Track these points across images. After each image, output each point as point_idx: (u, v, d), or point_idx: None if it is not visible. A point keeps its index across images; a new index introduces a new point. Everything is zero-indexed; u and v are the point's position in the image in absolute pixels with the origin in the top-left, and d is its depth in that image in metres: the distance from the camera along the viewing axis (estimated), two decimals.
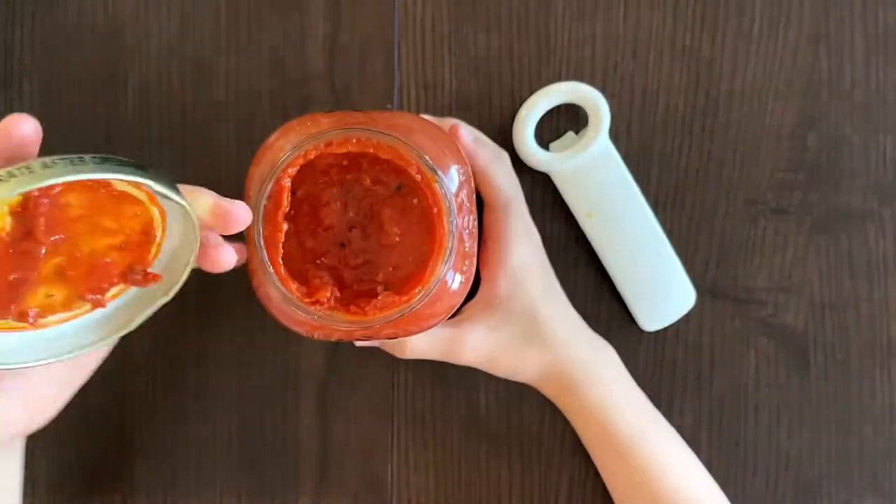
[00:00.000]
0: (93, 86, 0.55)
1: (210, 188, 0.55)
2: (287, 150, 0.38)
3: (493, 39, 0.54)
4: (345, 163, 0.40)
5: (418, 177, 0.38)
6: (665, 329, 0.55)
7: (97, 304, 0.39)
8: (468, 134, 0.45)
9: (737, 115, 0.54)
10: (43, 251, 0.36)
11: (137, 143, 0.55)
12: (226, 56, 0.55)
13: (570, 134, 0.54)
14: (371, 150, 0.38)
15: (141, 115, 0.55)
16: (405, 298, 0.39)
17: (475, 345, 0.46)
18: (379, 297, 0.39)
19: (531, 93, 0.53)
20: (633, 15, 0.54)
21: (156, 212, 0.39)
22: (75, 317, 0.39)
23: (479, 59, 0.54)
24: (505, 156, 0.47)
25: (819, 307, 0.55)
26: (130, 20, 0.54)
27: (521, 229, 0.46)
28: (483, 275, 0.47)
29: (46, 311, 0.38)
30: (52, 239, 0.36)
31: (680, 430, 0.54)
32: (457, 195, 0.40)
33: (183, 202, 0.36)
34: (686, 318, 0.55)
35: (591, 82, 0.54)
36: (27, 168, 0.31)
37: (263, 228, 0.38)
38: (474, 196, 0.42)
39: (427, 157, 0.38)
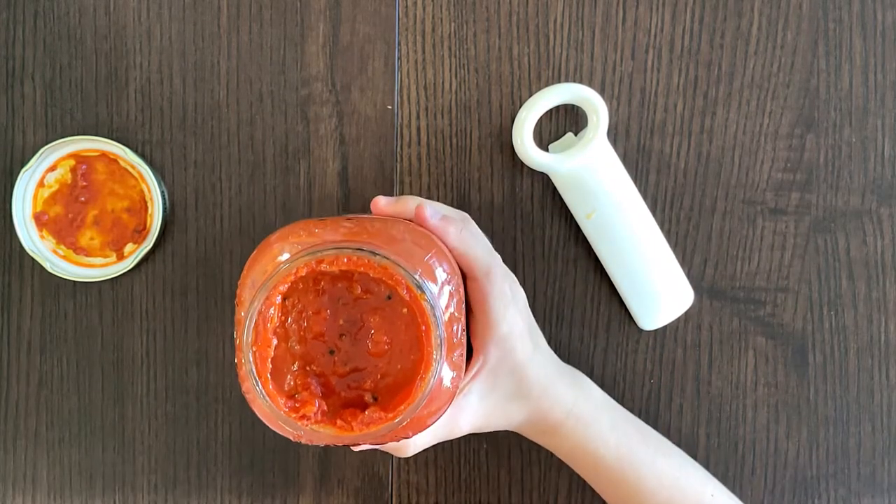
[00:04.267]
0: (94, 86, 0.55)
1: (210, 188, 0.55)
2: (280, 261, 0.39)
3: (493, 40, 0.54)
4: (336, 272, 0.40)
5: (407, 295, 0.39)
6: (664, 328, 0.55)
7: (119, 257, 0.54)
8: (433, 213, 0.44)
9: (735, 115, 0.55)
10: (83, 199, 0.54)
11: (139, 144, 0.55)
12: (227, 56, 0.55)
13: (570, 135, 0.54)
14: (361, 269, 0.39)
15: (142, 116, 0.55)
16: (391, 416, 0.39)
17: (469, 417, 0.46)
18: (366, 413, 0.39)
19: (531, 94, 0.54)
20: (632, 16, 0.54)
21: (144, 188, 0.54)
22: (106, 265, 0.54)
23: (479, 60, 0.55)
24: (470, 222, 0.47)
25: (817, 307, 0.55)
26: (132, 21, 0.55)
27: (507, 294, 0.45)
28: (473, 344, 0.46)
29: (90, 251, 0.54)
30: (86, 193, 0.54)
31: (678, 429, 0.55)
32: (447, 307, 0.41)
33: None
34: (684, 318, 0.55)
35: (590, 83, 0.54)
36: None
37: (253, 342, 0.39)
38: (464, 305, 0.43)
39: (416, 275, 0.39)
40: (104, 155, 0.54)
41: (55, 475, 0.56)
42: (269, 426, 0.41)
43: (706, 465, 0.55)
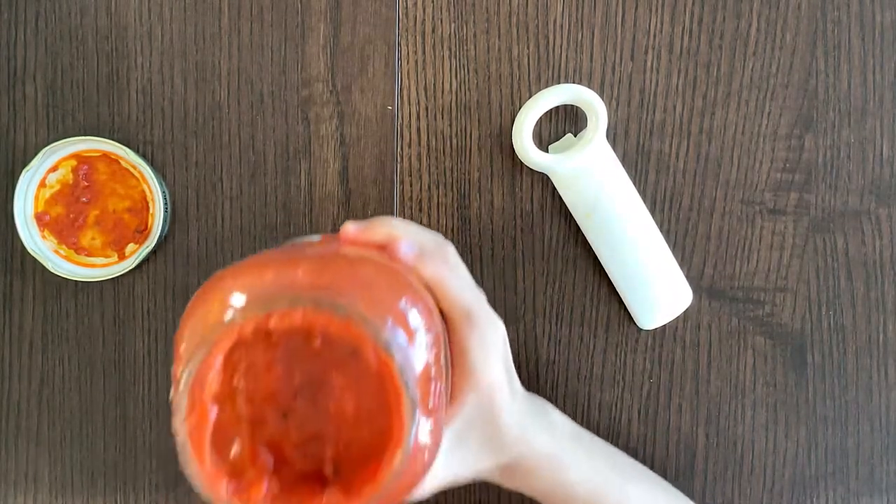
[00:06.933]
0: (96, 87, 0.55)
1: (211, 188, 0.55)
2: (221, 313, 0.33)
3: (493, 41, 0.55)
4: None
5: (374, 357, 0.32)
6: (662, 328, 0.55)
7: (121, 257, 0.54)
8: (409, 248, 0.40)
9: (734, 116, 0.55)
10: (85, 200, 0.54)
11: (140, 144, 0.55)
12: (227, 57, 0.55)
13: (569, 135, 0.54)
14: (319, 327, 0.32)
15: (144, 116, 0.55)
16: (353, 502, 0.32)
17: (434, 479, 0.41)
18: (324, 498, 0.33)
19: (530, 94, 0.54)
20: (632, 17, 0.55)
21: (146, 188, 0.54)
22: (107, 265, 0.55)
23: (479, 61, 0.55)
24: (450, 252, 0.42)
25: (816, 306, 0.55)
26: (133, 22, 0.55)
27: (488, 340, 0.41)
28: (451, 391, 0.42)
29: (91, 251, 0.55)
30: (88, 193, 0.54)
31: (678, 428, 0.55)
32: (425, 363, 0.35)
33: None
34: (683, 318, 0.55)
35: (590, 84, 0.55)
36: None
37: (187, 415, 0.32)
38: (445, 354, 0.37)
39: (386, 330, 0.32)
40: (105, 155, 0.54)
41: (57, 474, 0.56)
42: None
43: (705, 465, 0.55)
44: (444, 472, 0.41)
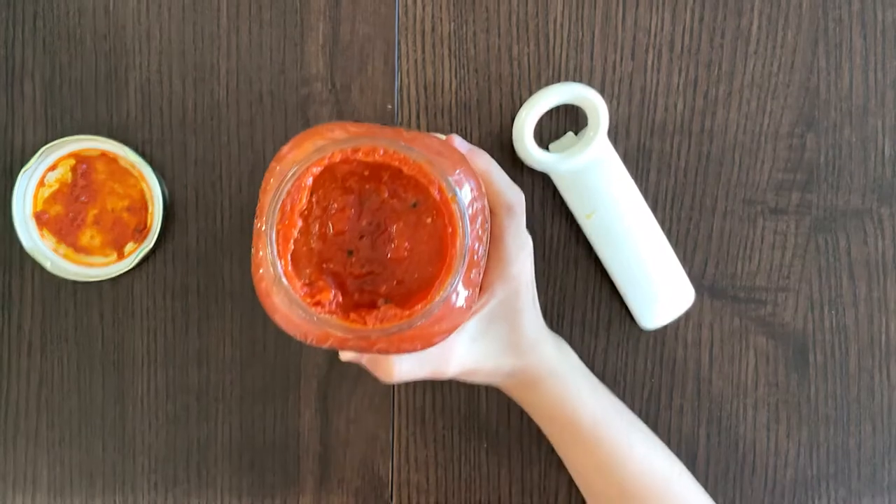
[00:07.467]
0: (94, 86, 0.55)
1: (210, 187, 0.55)
2: (312, 150, 0.39)
3: (493, 40, 0.54)
4: (366, 173, 0.40)
5: (438, 195, 0.39)
6: (664, 328, 0.55)
7: (120, 256, 0.54)
8: (462, 143, 0.45)
9: (735, 115, 0.55)
10: (83, 199, 0.54)
11: (139, 143, 0.55)
12: (226, 56, 0.55)
13: (570, 134, 0.54)
14: (396, 164, 0.39)
15: (142, 115, 0.55)
16: (407, 313, 0.38)
17: (459, 359, 0.45)
18: (381, 309, 0.39)
19: (531, 93, 0.54)
20: (632, 16, 0.54)
21: (145, 187, 0.54)
22: (106, 264, 0.54)
23: (479, 60, 0.55)
24: (496, 163, 0.47)
25: (818, 306, 0.55)
26: (131, 21, 0.55)
27: (523, 235, 0.46)
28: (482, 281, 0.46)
29: (90, 251, 0.55)
30: (87, 192, 0.54)
31: (679, 428, 0.55)
32: (472, 220, 0.40)
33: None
34: (685, 317, 0.55)
35: (590, 83, 0.54)
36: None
37: (278, 221, 0.38)
38: (488, 225, 0.42)
39: (450, 178, 0.39)
40: (104, 154, 0.54)
41: (55, 475, 0.56)
42: (275, 320, 0.40)
43: (706, 465, 0.55)
44: (467, 357, 0.45)
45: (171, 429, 0.56)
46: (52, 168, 0.54)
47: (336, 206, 0.40)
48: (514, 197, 0.45)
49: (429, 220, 0.40)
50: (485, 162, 0.45)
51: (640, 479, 0.48)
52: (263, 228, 0.38)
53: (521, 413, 0.55)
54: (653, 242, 0.53)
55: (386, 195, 0.40)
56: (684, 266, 0.54)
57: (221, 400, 0.55)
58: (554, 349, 0.48)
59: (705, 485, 0.54)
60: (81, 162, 0.54)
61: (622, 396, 0.55)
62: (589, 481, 0.50)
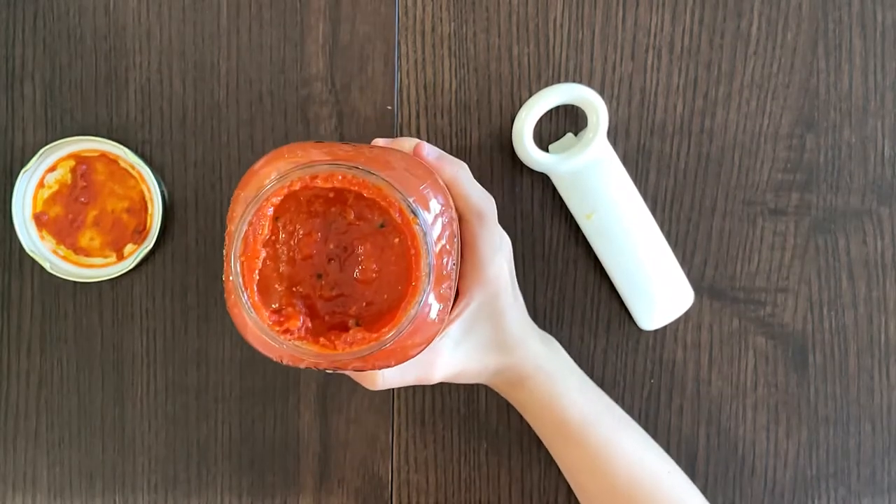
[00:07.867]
0: (94, 87, 0.55)
1: (210, 188, 0.55)
2: (273, 177, 0.39)
3: (493, 40, 0.54)
4: (331, 195, 0.40)
5: (399, 218, 0.38)
6: (663, 328, 0.55)
7: (119, 257, 0.55)
8: (432, 151, 0.45)
9: (735, 116, 0.55)
10: (83, 200, 0.54)
11: (139, 144, 0.55)
12: (226, 56, 0.55)
13: (569, 135, 0.54)
14: (355, 188, 0.38)
15: (142, 116, 0.55)
16: (375, 336, 0.39)
17: (444, 364, 0.46)
18: (350, 332, 0.39)
19: (530, 94, 0.54)
20: (632, 16, 0.54)
21: (144, 188, 0.54)
22: (106, 265, 0.55)
23: (479, 60, 0.55)
24: (467, 168, 0.47)
25: (817, 307, 0.55)
26: (131, 21, 0.55)
27: (496, 239, 0.46)
28: (458, 286, 0.46)
29: (90, 252, 0.55)
30: (86, 193, 0.54)
31: (678, 428, 0.55)
32: (439, 238, 0.41)
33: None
34: (685, 318, 0.55)
35: (590, 84, 0.54)
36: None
37: (241, 253, 0.39)
38: (457, 238, 0.42)
39: (410, 200, 0.38)
40: (104, 155, 0.54)
41: (55, 475, 0.56)
42: (252, 344, 0.40)
43: (706, 465, 0.55)
44: (451, 361, 0.45)
45: (170, 429, 0.56)
46: (52, 169, 0.54)
47: (302, 230, 0.40)
48: (483, 204, 0.45)
49: (396, 241, 0.40)
50: (453, 170, 0.44)
51: (629, 477, 0.48)
52: (229, 257, 0.39)
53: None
54: (652, 243, 0.53)
55: (352, 217, 0.40)
56: (684, 267, 0.54)
57: (221, 400, 0.55)
58: (541, 346, 0.49)
59: (705, 485, 0.54)
60: (81, 163, 0.54)
61: (622, 397, 0.55)
62: (579, 479, 0.50)
